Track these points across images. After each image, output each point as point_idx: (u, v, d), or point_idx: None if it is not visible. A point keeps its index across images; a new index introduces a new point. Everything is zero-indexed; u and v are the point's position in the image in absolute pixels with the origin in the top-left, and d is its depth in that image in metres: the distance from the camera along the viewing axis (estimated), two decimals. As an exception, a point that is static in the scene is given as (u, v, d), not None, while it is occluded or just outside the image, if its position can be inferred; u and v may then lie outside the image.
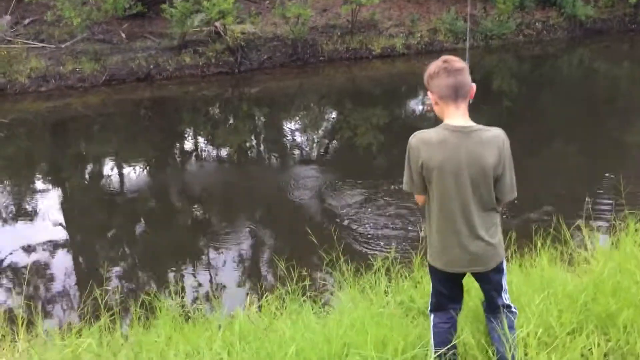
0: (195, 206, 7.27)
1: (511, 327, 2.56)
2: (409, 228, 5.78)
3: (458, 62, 2.39)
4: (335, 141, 9.69)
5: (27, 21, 14.22)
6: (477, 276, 2.60)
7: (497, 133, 2.42)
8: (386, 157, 8.51)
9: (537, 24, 16.21)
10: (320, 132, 10.25)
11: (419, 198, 2.57)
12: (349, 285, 3.62)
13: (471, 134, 2.39)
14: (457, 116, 2.41)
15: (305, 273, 3.88)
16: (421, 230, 5.45)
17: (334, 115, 11.43)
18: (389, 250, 4.49)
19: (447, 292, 2.62)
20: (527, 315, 2.73)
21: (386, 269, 3.76)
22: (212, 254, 5.84)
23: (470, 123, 2.43)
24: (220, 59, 13.69)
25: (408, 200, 6.47)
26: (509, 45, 15.50)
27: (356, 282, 3.66)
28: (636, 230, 3.97)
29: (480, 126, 2.42)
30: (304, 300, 3.49)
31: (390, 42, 14.87)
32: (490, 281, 2.58)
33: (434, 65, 2.42)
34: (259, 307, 3.78)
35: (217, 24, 13.63)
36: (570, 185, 6.77)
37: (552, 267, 3.52)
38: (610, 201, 5.92)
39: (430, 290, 2.72)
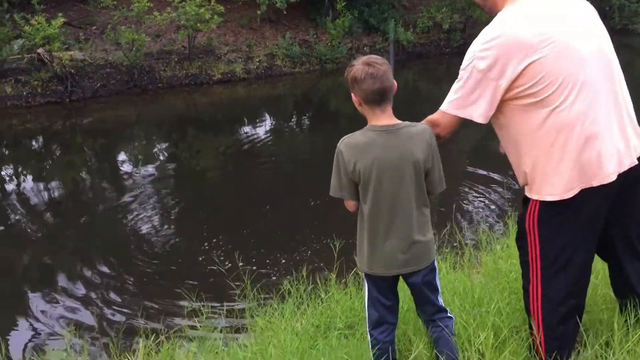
0: (22, 254, 6.45)
1: (452, 333, 2.52)
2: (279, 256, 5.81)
3: (383, 65, 2.35)
4: (176, 171, 9.30)
5: None
6: (411, 279, 2.52)
7: (423, 127, 2.46)
8: (235, 184, 8.45)
9: (365, 48, 17.32)
10: (159, 162, 9.78)
11: (350, 204, 2.51)
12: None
13: (399, 132, 2.40)
14: (383, 117, 2.42)
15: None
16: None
17: (174, 143, 11.06)
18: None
19: (387, 302, 2.54)
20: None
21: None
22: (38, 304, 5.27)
23: (396, 121, 2.44)
24: (48, 88, 12.67)
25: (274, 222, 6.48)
26: (343, 68, 16.29)
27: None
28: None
29: (407, 122, 2.45)
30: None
31: (230, 68, 14.91)
32: (425, 282, 2.52)
33: (359, 69, 2.34)
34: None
35: (41, 50, 12.67)
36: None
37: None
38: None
39: (367, 305, 2.60)
